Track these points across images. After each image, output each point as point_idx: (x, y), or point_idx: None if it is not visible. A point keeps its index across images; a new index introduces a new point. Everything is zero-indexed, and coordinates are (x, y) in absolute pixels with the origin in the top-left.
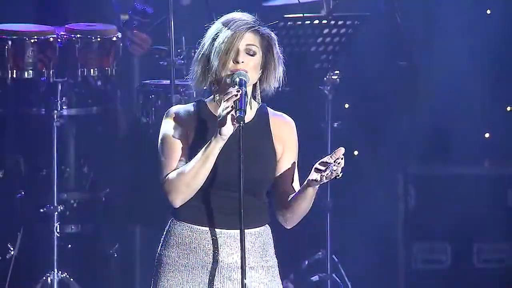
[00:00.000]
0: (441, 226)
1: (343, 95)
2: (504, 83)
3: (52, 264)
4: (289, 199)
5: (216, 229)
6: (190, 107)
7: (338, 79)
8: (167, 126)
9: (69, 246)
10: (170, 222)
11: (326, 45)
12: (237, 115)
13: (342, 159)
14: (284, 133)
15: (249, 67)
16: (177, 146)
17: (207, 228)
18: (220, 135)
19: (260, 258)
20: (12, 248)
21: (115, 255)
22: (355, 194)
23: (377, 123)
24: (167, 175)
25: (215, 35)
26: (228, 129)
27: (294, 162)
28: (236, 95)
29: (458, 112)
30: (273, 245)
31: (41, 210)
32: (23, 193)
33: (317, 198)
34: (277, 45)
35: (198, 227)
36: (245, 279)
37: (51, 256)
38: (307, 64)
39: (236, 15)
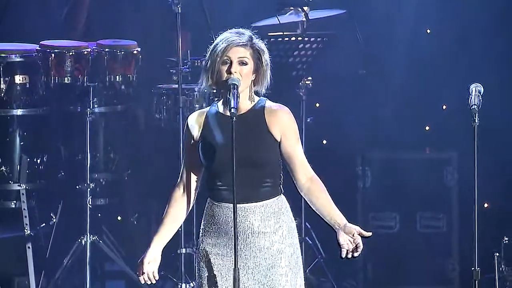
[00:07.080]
0: (391, 199)
1: (314, 96)
2: (442, 88)
3: (85, 230)
4: (313, 202)
5: (230, 204)
6: (205, 109)
7: (310, 84)
8: (184, 134)
9: (99, 215)
10: (207, 201)
11: (301, 57)
12: (231, 111)
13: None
14: (278, 119)
15: (242, 74)
16: (189, 150)
17: (226, 204)
18: None
19: (273, 223)
20: (54, 217)
21: (135, 223)
22: (323, 174)
23: (341, 118)
24: (180, 177)
25: (214, 50)
26: None
27: (295, 141)
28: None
29: (406, 110)
30: (286, 213)
31: (77, 187)
32: (62, 173)
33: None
34: (266, 54)
35: (219, 203)
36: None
37: (84, 223)
38: (286, 72)
39: (230, 34)
